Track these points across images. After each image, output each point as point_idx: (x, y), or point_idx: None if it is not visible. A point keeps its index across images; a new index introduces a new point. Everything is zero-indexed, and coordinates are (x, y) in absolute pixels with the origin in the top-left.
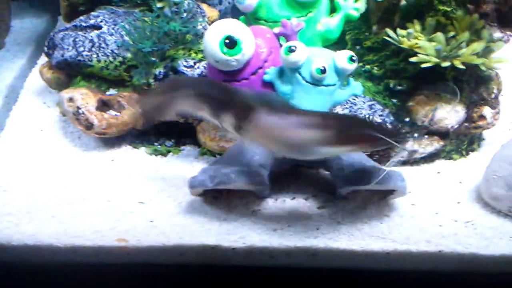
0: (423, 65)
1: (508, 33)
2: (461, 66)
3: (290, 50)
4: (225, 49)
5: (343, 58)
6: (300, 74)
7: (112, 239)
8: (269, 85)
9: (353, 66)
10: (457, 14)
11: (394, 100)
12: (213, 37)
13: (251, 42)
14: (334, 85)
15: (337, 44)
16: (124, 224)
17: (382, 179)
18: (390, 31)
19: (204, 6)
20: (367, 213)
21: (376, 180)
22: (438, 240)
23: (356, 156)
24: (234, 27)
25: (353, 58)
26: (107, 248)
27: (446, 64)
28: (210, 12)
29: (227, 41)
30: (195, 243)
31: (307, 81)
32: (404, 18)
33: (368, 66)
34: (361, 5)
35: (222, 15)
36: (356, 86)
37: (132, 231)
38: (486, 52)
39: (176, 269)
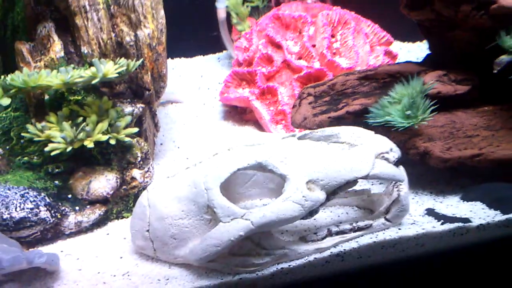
0: (53, 153)
1: (140, 105)
2: (91, 145)
3: None
4: None
5: None
6: None
7: None
8: None
9: None
10: (87, 100)
11: (56, 182)
12: None
13: None
14: None
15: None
16: None
17: (22, 260)
18: (30, 127)
19: None
20: None
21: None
22: None
23: None
24: None
25: None
26: None
27: (70, 147)
28: None
29: None
30: None
31: None
32: (51, 110)
33: (26, 158)
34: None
35: None
36: None
37: None
38: (115, 127)
39: None
